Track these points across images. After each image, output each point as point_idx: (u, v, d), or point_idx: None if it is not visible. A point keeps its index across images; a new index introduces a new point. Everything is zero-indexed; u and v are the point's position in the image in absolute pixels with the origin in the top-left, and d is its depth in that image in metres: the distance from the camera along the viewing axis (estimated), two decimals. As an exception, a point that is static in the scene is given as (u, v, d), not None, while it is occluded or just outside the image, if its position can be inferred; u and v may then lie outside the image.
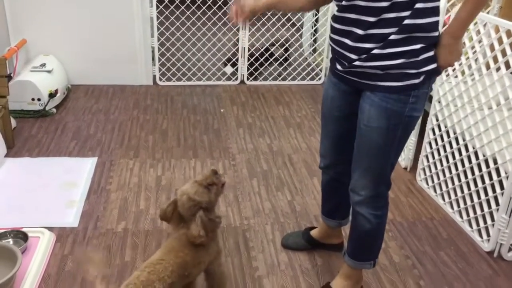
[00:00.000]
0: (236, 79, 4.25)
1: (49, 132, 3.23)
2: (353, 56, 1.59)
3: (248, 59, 4.15)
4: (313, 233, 2.26)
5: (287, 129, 3.46)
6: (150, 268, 1.60)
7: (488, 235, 2.31)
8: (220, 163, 2.98)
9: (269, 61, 4.25)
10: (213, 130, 3.40)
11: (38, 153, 2.98)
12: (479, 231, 2.37)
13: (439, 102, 2.65)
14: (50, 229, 2.29)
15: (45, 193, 2.59)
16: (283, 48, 4.26)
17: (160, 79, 4.15)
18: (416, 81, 1.56)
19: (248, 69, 4.19)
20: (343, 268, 1.97)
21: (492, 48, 2.31)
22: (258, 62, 4.18)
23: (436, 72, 1.61)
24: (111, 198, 2.59)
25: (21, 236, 2.18)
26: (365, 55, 1.56)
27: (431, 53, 1.56)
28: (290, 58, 4.35)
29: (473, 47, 2.42)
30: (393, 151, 1.69)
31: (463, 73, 2.50)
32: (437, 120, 2.67)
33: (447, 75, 2.58)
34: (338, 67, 1.69)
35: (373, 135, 1.65)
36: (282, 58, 4.26)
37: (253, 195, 2.69)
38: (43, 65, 3.58)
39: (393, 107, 1.59)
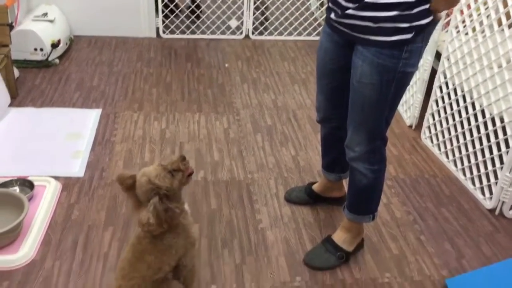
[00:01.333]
0: (241, 33, 4.18)
1: (53, 83, 3.20)
2: (347, 4, 1.55)
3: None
4: (315, 187, 2.28)
5: (292, 85, 3.43)
6: None
7: (491, 193, 2.33)
8: (224, 118, 2.97)
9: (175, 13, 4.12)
10: (218, 84, 3.37)
11: (42, 104, 2.96)
12: (482, 189, 2.39)
13: (447, 59, 2.61)
14: (56, 178, 2.31)
15: (50, 143, 2.60)
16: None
17: (164, 32, 4.08)
18: (408, 36, 1.53)
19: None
20: (343, 221, 2.00)
21: (505, 4, 2.25)
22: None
23: (431, 25, 1.56)
24: (116, 150, 2.59)
25: (27, 184, 2.20)
26: (358, 3, 1.52)
27: (426, 6, 1.51)
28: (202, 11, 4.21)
29: (485, 3, 2.36)
30: (387, 106, 1.68)
31: (474, 29, 2.45)
32: (445, 77, 2.64)
33: (458, 32, 2.53)
34: (332, 15, 1.66)
35: (366, 91, 1.64)
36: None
37: (257, 150, 2.70)
38: (45, 14, 3.51)
39: (385, 62, 1.57)
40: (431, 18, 1.54)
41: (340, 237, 1.98)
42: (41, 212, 2.07)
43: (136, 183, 1.52)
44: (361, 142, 1.74)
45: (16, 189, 2.17)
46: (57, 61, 3.45)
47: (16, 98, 2.98)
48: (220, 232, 2.10)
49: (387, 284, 1.91)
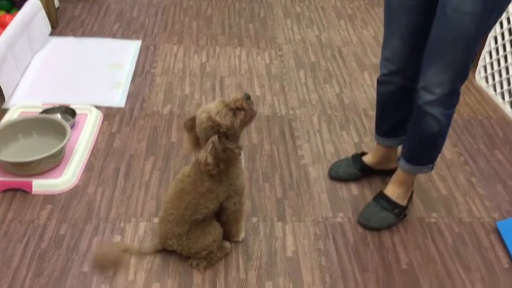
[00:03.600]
0: (284, -34, 3.97)
1: (92, 13, 3.14)
2: None
3: None
4: (367, 159, 1.99)
5: (338, 20, 3.26)
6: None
7: (550, 136, 2.19)
8: (266, 53, 2.87)
9: None
10: (259, 19, 3.24)
11: (82, 34, 2.92)
12: (540, 132, 2.25)
13: (512, -9, 2.40)
14: (97, 107, 2.29)
15: (91, 73, 2.57)
16: None
17: (204, -36, 3.91)
18: None
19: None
20: (397, 174, 1.83)
21: None
22: None
23: None
24: (156, 82, 2.55)
25: (69, 112, 2.19)
26: None
27: None
28: None
29: None
30: (480, 41, 1.48)
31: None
32: (507, 12, 2.43)
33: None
34: None
35: (464, 22, 1.41)
36: None
37: (300, 86, 2.60)
38: None
39: None
40: None
41: (394, 191, 1.82)
42: (83, 139, 2.06)
43: (196, 120, 1.46)
44: (444, 83, 1.52)
45: (58, 116, 2.16)
46: (96, -9, 3.37)
47: (56, 28, 2.95)
48: (261, 166, 2.06)
49: (434, 224, 1.84)
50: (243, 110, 1.45)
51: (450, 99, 1.59)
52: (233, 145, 1.44)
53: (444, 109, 1.59)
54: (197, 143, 1.51)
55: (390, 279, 1.63)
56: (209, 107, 1.44)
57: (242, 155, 1.55)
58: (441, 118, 1.60)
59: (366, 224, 1.80)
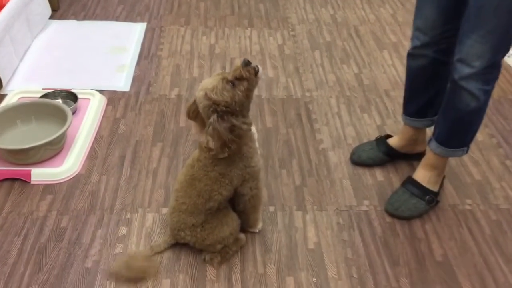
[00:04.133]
0: None
1: (95, -5, 3.00)
2: None
3: None
4: (393, 142, 1.84)
5: (353, -1, 3.10)
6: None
7: None
8: (278, 33, 2.71)
9: None
10: (270, -2, 3.08)
11: (84, 17, 2.78)
12: None
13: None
14: (100, 92, 2.15)
15: (94, 56, 2.43)
16: None
17: None
18: None
19: None
20: (427, 157, 1.66)
21: None
22: None
23: None
24: (163, 65, 2.40)
25: (71, 97, 2.05)
26: None
27: None
28: None
29: None
30: None
31: None
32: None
33: None
34: None
35: None
36: None
37: (316, 67, 2.44)
38: None
39: None
40: None
41: (424, 176, 1.66)
42: (86, 125, 1.93)
43: (197, 100, 1.31)
44: (484, 54, 1.37)
45: (59, 101, 2.02)
46: (98, -27, 3.22)
47: (58, 11, 2.80)
48: (277, 152, 1.91)
49: (468, 211, 1.68)
50: (243, 79, 1.28)
51: (490, 72, 1.43)
52: (240, 121, 1.29)
53: (483, 84, 1.43)
54: (204, 126, 1.35)
55: (424, 272, 1.48)
56: (206, 83, 1.29)
57: (254, 131, 1.39)
58: (479, 94, 1.44)
59: (395, 213, 1.64)
